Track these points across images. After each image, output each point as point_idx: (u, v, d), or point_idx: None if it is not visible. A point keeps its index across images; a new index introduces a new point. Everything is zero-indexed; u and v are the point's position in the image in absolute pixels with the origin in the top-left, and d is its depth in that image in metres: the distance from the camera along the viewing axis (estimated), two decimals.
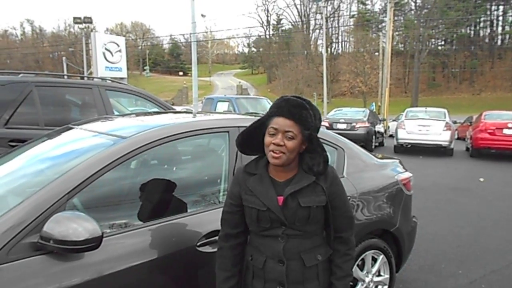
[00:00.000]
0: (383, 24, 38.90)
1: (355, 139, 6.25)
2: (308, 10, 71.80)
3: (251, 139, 1.71)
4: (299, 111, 1.60)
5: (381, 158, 3.39)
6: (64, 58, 45.72)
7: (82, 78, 6.60)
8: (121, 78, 16.60)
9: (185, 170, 2.59)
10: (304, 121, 1.60)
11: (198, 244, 2.01)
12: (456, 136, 15.37)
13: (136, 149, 2.02)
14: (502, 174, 10.03)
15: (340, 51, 71.61)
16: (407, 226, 3.24)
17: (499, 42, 64.09)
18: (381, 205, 2.94)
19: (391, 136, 18.77)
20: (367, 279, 2.88)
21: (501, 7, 60.27)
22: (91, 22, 44.18)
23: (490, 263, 4.22)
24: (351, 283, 2.75)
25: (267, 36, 79.80)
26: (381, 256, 2.95)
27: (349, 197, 2.63)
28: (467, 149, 14.14)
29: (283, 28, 78.49)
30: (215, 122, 2.54)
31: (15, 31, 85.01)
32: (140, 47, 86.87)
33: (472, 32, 64.37)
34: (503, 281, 3.82)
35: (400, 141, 13.62)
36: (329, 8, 63.79)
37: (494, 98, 50.68)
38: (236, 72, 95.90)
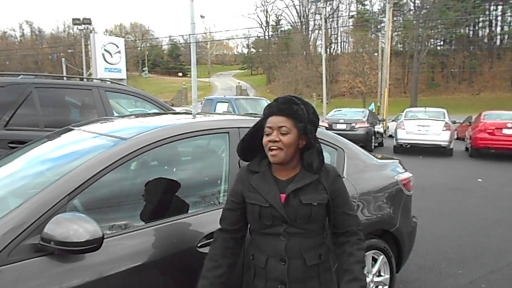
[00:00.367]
0: (382, 25, 38.94)
1: (355, 139, 6.24)
2: (307, 10, 71.91)
3: (252, 144, 1.75)
4: (289, 106, 1.65)
5: (381, 159, 3.40)
6: (63, 59, 45.79)
7: (82, 79, 6.61)
8: (121, 79, 16.60)
9: (185, 171, 2.59)
10: (295, 114, 1.64)
11: (199, 245, 2.02)
12: (455, 136, 15.39)
13: (137, 150, 2.02)
14: (501, 173, 10.04)
15: (339, 51, 71.68)
16: (407, 226, 3.25)
17: (498, 42, 64.18)
18: (381, 206, 2.94)
19: (390, 136, 18.78)
20: (367, 280, 2.88)
21: (500, 7, 60.39)
22: (90, 24, 44.19)
23: (490, 263, 4.23)
24: None
25: (266, 37, 79.82)
26: (381, 256, 2.96)
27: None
28: (467, 149, 14.16)
29: (282, 28, 78.59)
30: (215, 123, 2.54)
31: (14, 32, 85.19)
32: (139, 48, 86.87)
33: (471, 32, 64.45)
34: (503, 281, 3.82)
35: (399, 141, 13.63)
36: (328, 8, 63.80)
37: (493, 98, 50.72)
38: (236, 73, 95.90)
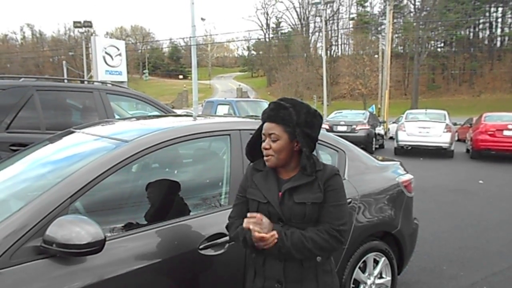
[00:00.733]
0: (383, 27, 38.96)
1: (356, 141, 6.22)
2: (307, 13, 72.00)
3: (256, 147, 1.79)
4: (276, 113, 1.68)
5: (382, 160, 3.40)
6: (64, 62, 45.79)
7: (82, 82, 6.62)
8: (121, 82, 16.63)
9: (186, 173, 2.60)
10: (282, 120, 1.66)
11: (201, 247, 2.02)
12: (456, 138, 15.38)
13: (138, 152, 2.02)
14: (502, 175, 10.03)
15: (339, 53, 71.72)
16: (409, 228, 3.25)
17: (498, 44, 64.21)
18: (383, 207, 2.94)
19: (391, 138, 18.77)
20: (369, 282, 2.88)
21: (500, 9, 60.42)
22: (91, 26, 44.26)
23: (491, 265, 4.22)
24: (353, 285, 2.77)
25: (267, 39, 79.91)
26: (383, 258, 2.96)
27: (350, 199, 2.67)
28: (468, 151, 14.15)
29: (283, 31, 78.69)
30: (217, 125, 2.55)
31: (15, 35, 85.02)
32: (140, 51, 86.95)
33: (472, 34, 64.50)
34: (505, 283, 3.82)
35: (400, 143, 13.62)
36: (329, 11, 63.89)
37: (494, 99, 50.70)
38: (236, 75, 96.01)
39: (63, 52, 67.43)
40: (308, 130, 1.69)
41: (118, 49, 19.11)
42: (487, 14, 61.46)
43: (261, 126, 1.75)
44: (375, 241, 2.90)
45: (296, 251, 1.61)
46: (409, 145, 13.48)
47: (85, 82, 6.60)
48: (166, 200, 2.27)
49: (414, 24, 56.35)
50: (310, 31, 71.79)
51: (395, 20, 46.23)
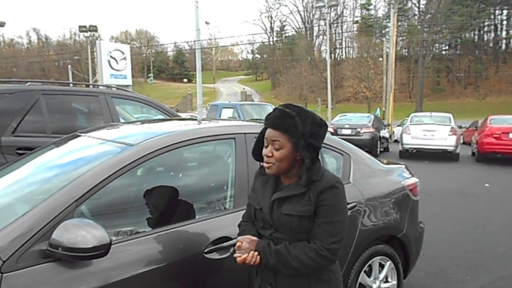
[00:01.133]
0: (387, 30, 38.93)
1: (360, 144, 6.21)
2: (311, 16, 72.12)
3: (261, 149, 1.75)
4: (282, 121, 1.62)
5: (387, 164, 3.39)
6: (69, 66, 46.14)
7: (88, 86, 6.65)
8: (126, 86, 16.72)
9: (191, 177, 2.60)
10: (288, 130, 1.61)
11: (206, 251, 2.01)
12: (461, 141, 15.31)
13: (144, 156, 2.03)
14: (508, 178, 9.96)
15: (344, 56, 71.69)
16: (414, 231, 3.23)
17: (503, 47, 63.97)
18: (388, 211, 2.93)
19: (396, 141, 18.71)
20: (374, 286, 2.86)
21: (505, 11, 60.17)
22: (96, 30, 44.51)
23: (498, 269, 4.19)
24: None
25: (271, 43, 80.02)
26: (389, 262, 2.94)
27: (355, 203, 2.66)
28: (473, 154, 14.07)
29: (287, 34, 78.76)
30: (221, 129, 2.55)
31: (21, 40, 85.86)
32: (144, 55, 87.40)
33: (476, 37, 64.31)
34: None
35: (405, 146, 13.57)
36: (333, 14, 63.93)
37: (499, 102, 50.45)
38: (240, 78, 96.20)
39: (69, 56, 67.89)
40: (312, 140, 1.62)
41: (123, 53, 19.21)
42: (492, 16, 61.28)
43: (263, 130, 1.71)
44: (380, 245, 2.89)
45: (282, 267, 1.60)
46: (414, 148, 13.42)
47: (91, 86, 6.64)
48: (171, 203, 2.27)
49: (419, 27, 56.27)
50: (314, 34, 71.88)
51: (399, 23, 46.21)
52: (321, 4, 29.59)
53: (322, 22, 65.03)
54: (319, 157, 1.70)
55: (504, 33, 63.77)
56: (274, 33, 79.69)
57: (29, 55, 74.07)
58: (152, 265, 1.87)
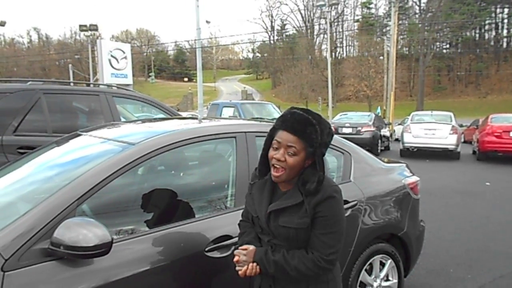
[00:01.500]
0: (388, 28, 38.86)
1: (361, 143, 6.21)
2: (312, 15, 72.00)
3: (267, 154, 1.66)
4: (303, 128, 1.55)
5: (387, 162, 3.39)
6: (70, 65, 46.12)
7: (88, 85, 6.66)
8: (127, 85, 16.71)
9: (192, 176, 2.61)
10: (308, 138, 1.55)
11: (207, 249, 2.02)
12: (462, 140, 15.29)
13: (145, 155, 2.03)
14: (509, 177, 9.96)
15: (344, 55, 71.66)
16: (415, 230, 3.23)
17: (504, 45, 63.86)
18: (389, 209, 2.93)
19: (397, 140, 18.70)
20: (375, 284, 2.87)
21: (506, 10, 60.09)
22: (96, 30, 44.54)
23: (499, 268, 4.19)
24: None
25: (272, 42, 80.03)
26: (389, 261, 2.94)
27: (356, 201, 2.66)
28: (474, 152, 14.07)
29: (287, 33, 78.70)
30: (222, 127, 2.55)
31: (22, 39, 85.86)
32: (145, 54, 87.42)
33: (477, 35, 64.21)
34: None
35: (406, 145, 13.57)
36: (333, 13, 63.90)
37: (500, 101, 50.40)
38: (241, 77, 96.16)
39: (69, 56, 67.88)
40: (324, 150, 1.62)
41: (124, 52, 19.21)
42: (493, 15, 61.20)
43: (273, 131, 1.62)
44: (381, 244, 2.89)
45: (281, 276, 1.61)
46: (415, 147, 13.42)
47: (91, 85, 6.65)
48: (172, 202, 2.27)
49: (420, 25, 56.19)
50: (315, 33, 71.82)
51: (400, 22, 46.15)
52: (321, 2, 29.53)
53: (322, 21, 64.92)
54: None
55: (505, 31, 63.66)
56: (275, 32, 79.66)
57: (30, 55, 74.10)
58: (153, 264, 1.88)
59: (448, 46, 64.70)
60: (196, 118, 3.23)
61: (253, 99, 47.06)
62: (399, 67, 42.29)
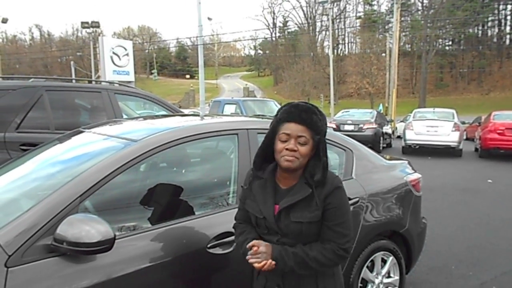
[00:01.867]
0: (390, 25, 38.79)
1: (363, 140, 6.20)
2: (314, 12, 71.83)
3: (267, 150, 1.69)
4: (310, 116, 1.61)
5: (389, 159, 3.39)
6: (72, 62, 46.09)
7: (90, 82, 6.66)
8: (129, 82, 16.72)
9: (195, 173, 2.61)
10: (315, 126, 1.61)
11: (209, 245, 2.03)
12: (464, 137, 15.26)
13: (147, 152, 2.04)
14: (511, 174, 9.94)
15: (346, 52, 71.46)
16: (417, 227, 3.23)
17: (507, 42, 63.52)
18: (390, 206, 2.94)
19: (399, 137, 18.67)
20: (376, 281, 2.87)
21: (509, 6, 59.78)
22: (98, 27, 44.51)
23: (501, 265, 4.19)
24: (360, 285, 2.76)
25: (273, 38, 79.94)
26: (391, 258, 2.95)
27: (358, 198, 2.66)
28: (476, 149, 14.03)
29: (289, 30, 78.59)
30: (224, 124, 2.56)
31: (24, 36, 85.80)
32: (147, 51, 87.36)
33: (480, 32, 63.92)
34: None
35: (408, 142, 13.55)
36: (335, 9, 63.75)
37: (503, 98, 50.22)
38: (243, 74, 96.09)
39: (71, 53, 67.95)
40: (324, 138, 1.67)
41: (126, 49, 19.23)
42: (496, 11, 60.85)
43: (276, 125, 1.64)
44: (383, 240, 2.90)
45: (299, 269, 1.61)
46: (417, 144, 13.40)
47: (93, 82, 6.65)
48: (175, 199, 2.28)
49: (422, 22, 56.01)
50: (317, 30, 71.65)
51: (402, 19, 45.96)
52: None
53: (324, 18, 64.81)
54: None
55: (508, 28, 63.34)
56: (277, 29, 79.57)
57: (32, 52, 74.23)
58: (155, 260, 1.88)
59: (450, 43, 64.45)
60: (198, 115, 3.24)
61: (255, 96, 47.07)
62: (401, 64, 42.18)
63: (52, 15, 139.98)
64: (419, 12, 60.11)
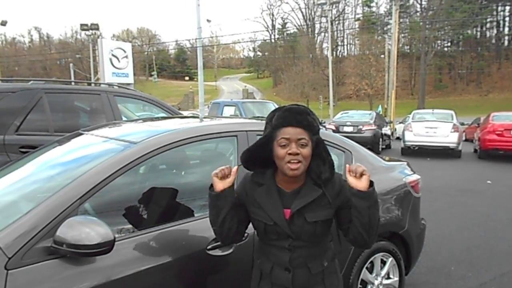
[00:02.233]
0: (389, 27, 38.82)
1: (362, 141, 6.20)
2: (313, 13, 71.96)
3: (257, 155, 1.68)
4: (305, 118, 1.61)
5: (388, 161, 3.40)
6: (71, 64, 46.12)
7: (90, 84, 6.66)
8: (128, 84, 16.73)
9: (194, 175, 2.62)
10: (311, 126, 1.62)
11: (209, 247, 2.03)
12: (463, 138, 15.27)
13: (146, 154, 2.04)
14: (510, 175, 9.95)
15: (345, 54, 71.58)
16: (416, 228, 3.24)
17: (506, 43, 63.63)
18: (390, 208, 2.94)
19: (398, 138, 18.69)
20: (376, 282, 2.88)
21: (507, 8, 59.91)
22: (97, 29, 44.55)
23: (500, 266, 4.20)
24: (360, 286, 2.77)
25: (273, 40, 79.98)
26: (390, 259, 2.95)
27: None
28: (475, 150, 14.06)
29: (288, 32, 78.60)
30: (224, 126, 2.56)
31: (23, 38, 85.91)
32: (146, 53, 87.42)
33: (479, 33, 64.02)
34: None
35: (407, 143, 13.57)
36: (334, 11, 63.75)
37: (502, 99, 50.28)
38: (242, 76, 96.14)
39: (70, 55, 67.92)
40: (321, 138, 1.68)
41: (125, 51, 19.22)
42: (495, 13, 60.99)
43: (271, 132, 1.62)
44: (382, 242, 2.90)
45: (375, 210, 1.65)
46: (416, 145, 13.42)
47: (93, 85, 6.66)
48: (174, 201, 2.28)
49: (421, 23, 56.07)
50: (316, 31, 71.78)
51: (401, 20, 46.08)
52: (322, 1, 29.56)
53: (323, 20, 64.91)
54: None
55: (506, 29, 63.43)
56: (276, 31, 79.59)
57: (31, 54, 74.21)
58: (155, 262, 1.89)
59: (449, 44, 64.58)
60: (197, 117, 3.24)
61: (254, 98, 47.10)
62: (400, 65, 42.26)
63: (51, 18, 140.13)
64: (418, 14, 60.23)
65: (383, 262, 2.94)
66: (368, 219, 1.61)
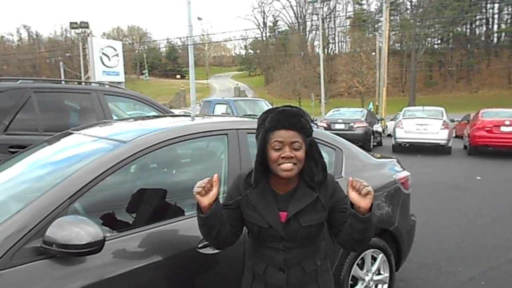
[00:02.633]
0: (379, 24, 39.03)
1: (353, 139, 6.25)
2: (304, 11, 72.14)
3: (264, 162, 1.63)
4: (299, 120, 1.60)
5: (379, 158, 3.42)
6: (61, 63, 45.75)
7: (80, 83, 6.62)
8: (119, 83, 16.62)
9: (185, 173, 2.61)
10: (304, 129, 1.60)
11: (199, 246, 2.03)
12: (454, 134, 15.43)
13: (136, 153, 2.04)
14: (500, 171, 10.07)
15: (337, 51, 71.86)
16: (406, 224, 3.27)
17: (495, 40, 64.40)
18: (380, 204, 2.97)
19: (389, 135, 18.82)
20: (367, 278, 2.90)
21: (496, 5, 60.52)
22: (87, 27, 44.27)
23: (489, 260, 4.25)
24: (351, 282, 2.79)
25: (264, 38, 79.97)
26: (381, 255, 2.98)
27: (347, 197, 2.68)
28: (465, 147, 14.20)
29: (280, 29, 78.74)
30: (214, 125, 2.56)
31: (12, 37, 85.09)
32: (137, 51, 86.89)
33: (468, 31, 64.65)
34: (503, 278, 3.84)
35: (398, 140, 13.67)
36: (325, 9, 63.99)
37: (491, 95, 50.85)
38: (234, 74, 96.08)
39: (60, 53, 67.41)
40: (314, 140, 1.68)
41: (115, 50, 19.07)
42: (484, 10, 61.59)
43: (266, 135, 1.59)
44: (372, 238, 2.92)
45: (371, 230, 1.60)
46: (407, 142, 13.52)
47: (83, 83, 6.61)
48: (164, 200, 2.28)
49: (411, 21, 56.48)
50: (307, 29, 71.96)
51: (392, 18, 46.30)
52: None
53: (315, 17, 65.04)
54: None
55: (495, 26, 64.19)
56: (267, 28, 79.63)
57: (20, 53, 73.44)
58: (146, 261, 1.88)
59: (439, 41, 65.14)
60: (189, 116, 3.24)
61: (246, 96, 47.07)
62: (391, 63, 42.55)
63: (40, 16, 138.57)
64: (408, 11, 60.63)
65: (374, 259, 2.97)
66: (363, 237, 1.60)
